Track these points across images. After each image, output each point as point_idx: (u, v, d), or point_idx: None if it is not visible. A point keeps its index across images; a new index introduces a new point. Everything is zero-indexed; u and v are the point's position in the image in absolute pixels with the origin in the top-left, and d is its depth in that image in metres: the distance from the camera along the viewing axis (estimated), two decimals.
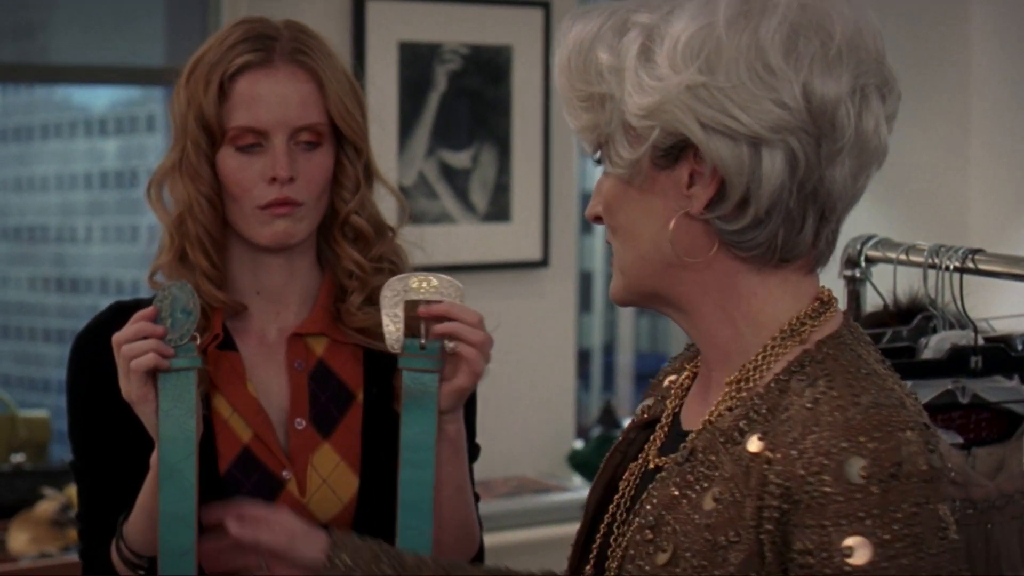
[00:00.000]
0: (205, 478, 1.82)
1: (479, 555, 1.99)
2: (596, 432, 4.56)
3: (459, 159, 4.21)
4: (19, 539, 3.77)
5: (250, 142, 1.88)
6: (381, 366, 1.93)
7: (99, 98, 6.50)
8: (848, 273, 2.28)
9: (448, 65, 4.16)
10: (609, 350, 5.36)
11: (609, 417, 4.59)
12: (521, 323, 4.17)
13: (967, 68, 4.90)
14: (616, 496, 1.52)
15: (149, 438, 1.80)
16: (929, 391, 2.02)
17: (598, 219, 1.46)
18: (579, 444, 4.48)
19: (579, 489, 4.17)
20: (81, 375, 1.94)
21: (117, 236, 6.55)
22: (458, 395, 1.83)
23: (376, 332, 1.91)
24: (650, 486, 1.44)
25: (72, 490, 3.62)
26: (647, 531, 1.39)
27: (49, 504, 3.82)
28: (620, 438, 1.58)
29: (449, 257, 3.91)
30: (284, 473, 1.90)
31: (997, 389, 2.07)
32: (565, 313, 4.41)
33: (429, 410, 1.82)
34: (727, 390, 1.42)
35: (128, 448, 1.86)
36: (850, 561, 1.27)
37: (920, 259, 2.14)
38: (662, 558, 1.37)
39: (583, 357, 5.29)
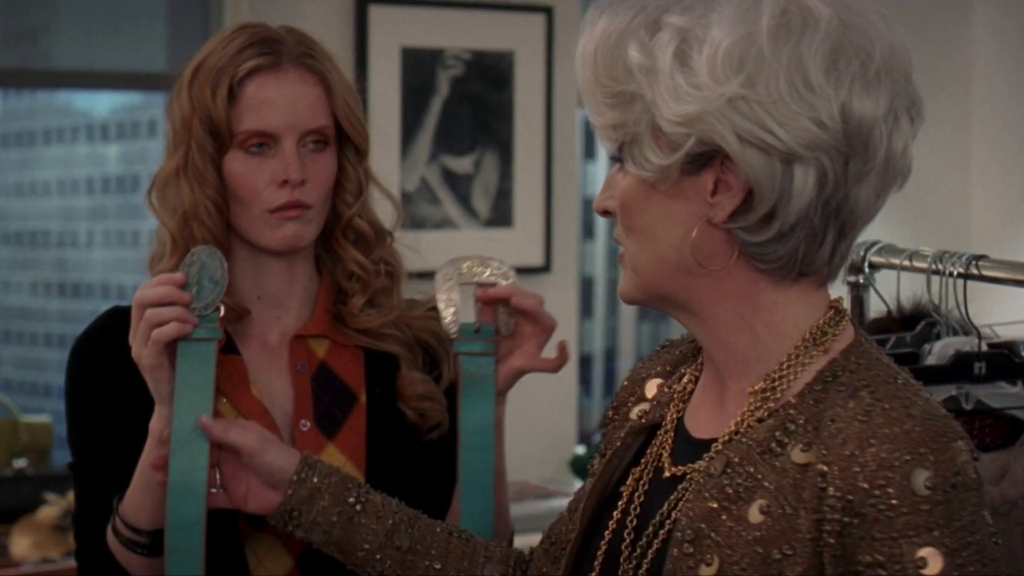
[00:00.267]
0: (210, 483, 1.80)
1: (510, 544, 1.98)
2: (598, 437, 4.55)
3: (461, 165, 4.21)
4: (21, 544, 3.77)
5: (257, 143, 1.88)
6: (383, 367, 1.94)
7: (101, 103, 6.51)
8: (852, 279, 2.28)
9: (450, 70, 4.16)
10: (611, 355, 5.37)
11: None
12: None
13: (969, 72, 4.90)
14: (620, 503, 1.49)
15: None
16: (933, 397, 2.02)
17: (607, 213, 1.44)
18: (581, 449, 4.49)
19: None
20: (80, 379, 1.94)
21: (119, 241, 6.56)
22: (514, 376, 1.85)
23: (379, 333, 1.93)
24: (678, 498, 1.42)
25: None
26: (686, 545, 1.37)
27: (51, 509, 3.82)
28: (619, 443, 1.55)
29: None
30: None
31: (1001, 395, 2.06)
32: (567, 318, 4.41)
33: (487, 393, 1.82)
34: (752, 400, 1.40)
35: (127, 450, 1.84)
36: (924, 572, 1.27)
37: (924, 265, 2.13)
38: (707, 571, 1.35)
39: (585, 362, 5.30)
